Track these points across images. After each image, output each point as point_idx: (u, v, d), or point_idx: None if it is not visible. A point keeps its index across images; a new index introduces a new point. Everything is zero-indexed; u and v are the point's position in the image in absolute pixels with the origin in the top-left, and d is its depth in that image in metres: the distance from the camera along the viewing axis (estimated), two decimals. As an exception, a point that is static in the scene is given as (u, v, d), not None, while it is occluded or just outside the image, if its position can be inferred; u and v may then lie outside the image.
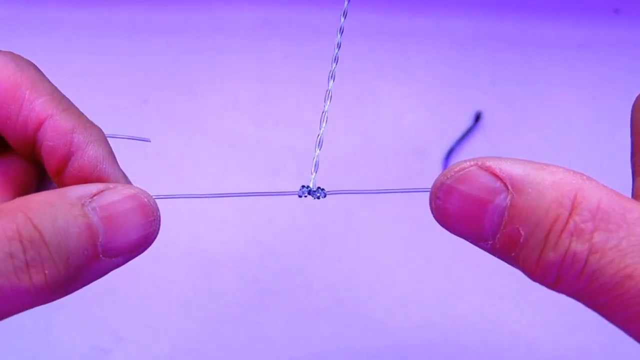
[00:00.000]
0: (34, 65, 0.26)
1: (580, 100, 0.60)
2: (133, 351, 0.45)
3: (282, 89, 0.62)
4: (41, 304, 0.21)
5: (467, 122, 0.58)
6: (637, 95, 0.25)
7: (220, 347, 0.45)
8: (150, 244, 0.24)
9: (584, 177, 0.21)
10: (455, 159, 0.55)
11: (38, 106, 0.24)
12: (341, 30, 0.26)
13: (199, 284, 0.48)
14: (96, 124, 0.26)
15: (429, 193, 0.23)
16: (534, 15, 0.67)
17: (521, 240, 0.20)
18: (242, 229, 0.51)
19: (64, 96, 0.26)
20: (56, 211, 0.21)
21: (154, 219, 0.23)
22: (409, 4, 0.67)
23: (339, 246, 0.51)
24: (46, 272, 0.21)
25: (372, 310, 0.47)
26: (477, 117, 0.58)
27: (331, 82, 0.27)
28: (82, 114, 0.26)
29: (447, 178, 0.22)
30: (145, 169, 0.50)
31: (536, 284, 0.21)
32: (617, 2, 0.67)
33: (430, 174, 0.55)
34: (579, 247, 0.19)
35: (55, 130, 0.24)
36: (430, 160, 0.55)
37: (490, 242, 0.21)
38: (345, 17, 0.26)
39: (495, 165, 0.21)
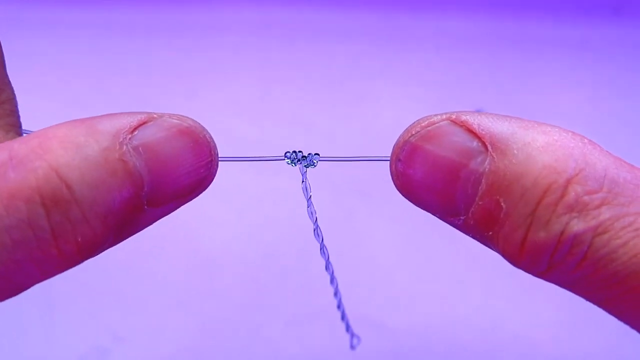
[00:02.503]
0: None
1: (580, 100, 0.60)
2: (133, 351, 0.44)
3: (282, 89, 0.62)
4: (74, 266, 0.17)
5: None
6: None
7: (220, 347, 0.45)
8: (205, 188, 0.19)
9: (586, 140, 0.16)
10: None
11: None
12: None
13: (199, 284, 0.48)
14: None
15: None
16: (534, 15, 0.67)
17: (501, 215, 0.16)
18: (242, 229, 0.51)
19: None
20: (87, 153, 0.16)
21: (211, 160, 0.18)
22: (409, 4, 0.67)
23: (339, 246, 0.51)
24: (79, 239, 0.16)
25: (372, 310, 0.47)
26: (477, 117, 0.58)
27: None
28: None
29: (412, 135, 0.17)
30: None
31: (535, 283, 0.18)
32: (617, 2, 0.67)
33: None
34: (581, 225, 0.15)
35: None
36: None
37: (462, 218, 0.17)
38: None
39: (473, 121, 0.17)
